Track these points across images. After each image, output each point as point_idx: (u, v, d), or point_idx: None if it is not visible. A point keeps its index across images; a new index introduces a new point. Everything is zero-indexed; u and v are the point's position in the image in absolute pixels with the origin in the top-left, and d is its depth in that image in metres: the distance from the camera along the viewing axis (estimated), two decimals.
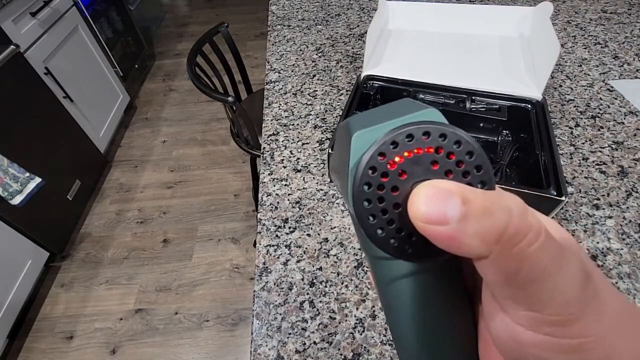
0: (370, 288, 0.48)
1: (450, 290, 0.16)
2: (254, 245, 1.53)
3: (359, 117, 0.15)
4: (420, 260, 0.14)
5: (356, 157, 0.14)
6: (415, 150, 0.13)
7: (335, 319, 0.46)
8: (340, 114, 0.73)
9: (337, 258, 0.51)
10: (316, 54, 0.91)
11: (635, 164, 0.61)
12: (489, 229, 0.11)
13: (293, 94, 0.80)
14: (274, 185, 0.62)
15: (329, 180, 0.62)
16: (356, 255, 0.52)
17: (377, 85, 0.69)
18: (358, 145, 0.14)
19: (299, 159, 0.66)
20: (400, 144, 0.13)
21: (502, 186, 0.48)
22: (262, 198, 0.60)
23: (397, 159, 0.13)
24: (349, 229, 0.55)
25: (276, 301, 0.48)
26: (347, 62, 0.88)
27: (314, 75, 0.85)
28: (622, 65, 0.81)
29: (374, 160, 0.13)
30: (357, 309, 0.46)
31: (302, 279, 0.50)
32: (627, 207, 0.55)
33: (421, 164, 0.13)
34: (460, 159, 0.13)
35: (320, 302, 0.47)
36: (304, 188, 0.61)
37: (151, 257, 1.52)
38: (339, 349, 0.43)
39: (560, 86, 0.77)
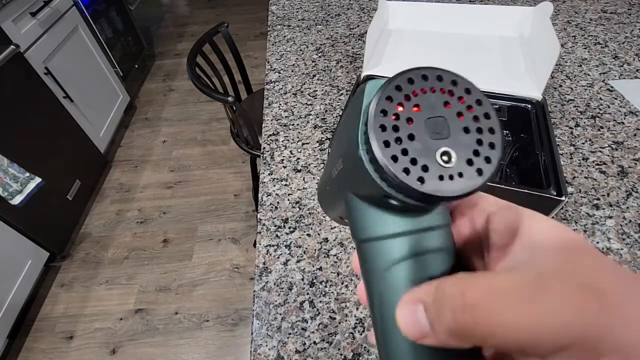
0: None
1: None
2: (254, 245, 1.53)
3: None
4: (432, 198, 0.14)
5: (370, 97, 0.15)
6: (430, 89, 0.14)
7: (335, 319, 0.46)
8: (340, 114, 0.73)
9: (337, 258, 0.51)
10: (316, 54, 0.91)
11: (635, 164, 0.61)
12: (448, 324, 0.12)
13: (293, 94, 0.80)
14: (274, 185, 0.62)
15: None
16: None
17: None
18: (371, 89, 0.15)
19: (299, 159, 0.66)
20: (416, 82, 0.14)
21: (502, 186, 0.48)
22: (262, 198, 0.60)
23: (412, 94, 0.14)
24: (349, 229, 0.55)
25: (276, 301, 0.48)
26: (347, 62, 0.88)
27: (314, 75, 0.85)
28: (622, 65, 0.81)
29: (391, 91, 0.14)
30: (357, 309, 0.46)
31: (302, 279, 0.50)
32: (627, 207, 0.55)
33: (435, 103, 0.14)
34: (470, 105, 0.14)
35: (320, 302, 0.47)
36: (304, 188, 0.61)
37: (151, 257, 1.52)
38: (339, 349, 0.43)
39: (560, 86, 0.77)
